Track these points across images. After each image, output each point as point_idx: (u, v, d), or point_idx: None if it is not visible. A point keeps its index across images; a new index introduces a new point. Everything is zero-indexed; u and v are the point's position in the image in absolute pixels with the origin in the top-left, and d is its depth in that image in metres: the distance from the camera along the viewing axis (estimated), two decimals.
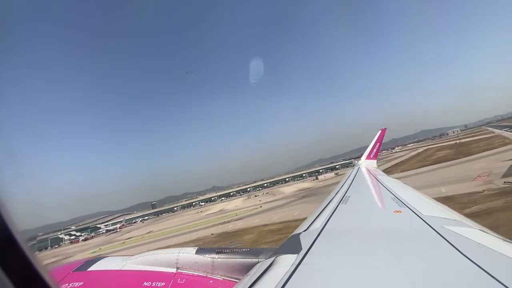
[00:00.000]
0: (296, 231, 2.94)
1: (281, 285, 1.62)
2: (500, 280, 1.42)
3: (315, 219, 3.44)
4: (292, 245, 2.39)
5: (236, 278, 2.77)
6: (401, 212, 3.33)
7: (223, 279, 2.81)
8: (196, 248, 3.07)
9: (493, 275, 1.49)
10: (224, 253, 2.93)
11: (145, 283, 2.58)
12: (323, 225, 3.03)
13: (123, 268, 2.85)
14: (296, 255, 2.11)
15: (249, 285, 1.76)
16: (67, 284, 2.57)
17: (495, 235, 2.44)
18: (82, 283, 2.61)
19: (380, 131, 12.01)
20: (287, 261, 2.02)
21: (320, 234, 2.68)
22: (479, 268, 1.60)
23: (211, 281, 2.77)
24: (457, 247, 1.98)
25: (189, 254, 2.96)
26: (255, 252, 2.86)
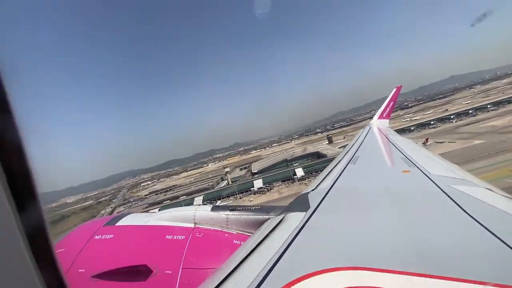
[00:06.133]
0: (305, 190, 3.16)
1: (290, 240, 1.79)
2: (500, 237, 1.51)
3: (323, 178, 3.58)
4: (301, 204, 2.57)
5: (249, 232, 3.00)
6: (409, 172, 3.41)
7: (237, 233, 3.04)
8: (211, 206, 3.31)
9: (494, 232, 1.59)
10: (237, 210, 3.14)
11: (167, 236, 2.83)
12: (331, 185, 3.17)
13: (147, 224, 3.11)
14: (304, 213, 2.28)
15: (261, 239, 1.95)
16: (100, 236, 2.87)
17: (502, 193, 2.46)
18: (112, 235, 2.89)
19: (395, 89, 11.39)
20: (295, 218, 2.19)
21: (328, 194, 2.83)
22: (480, 225, 1.70)
23: (226, 235, 3.01)
24: (461, 205, 2.09)
25: (205, 211, 3.18)
26: (266, 209, 3.05)
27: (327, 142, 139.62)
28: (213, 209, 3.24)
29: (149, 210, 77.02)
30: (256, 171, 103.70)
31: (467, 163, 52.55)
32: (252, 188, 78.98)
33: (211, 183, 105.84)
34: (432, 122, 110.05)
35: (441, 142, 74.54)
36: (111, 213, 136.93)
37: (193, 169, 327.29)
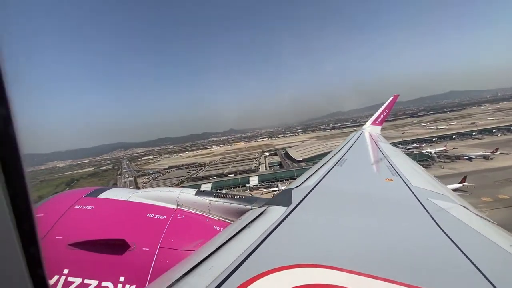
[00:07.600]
0: (289, 186, 3.25)
1: (268, 232, 1.84)
2: (467, 254, 1.58)
3: (309, 176, 3.65)
4: (284, 198, 2.64)
5: (230, 220, 3.03)
6: (392, 180, 3.49)
7: (219, 219, 3.06)
8: (196, 190, 3.29)
9: (462, 249, 1.65)
10: (221, 197, 3.17)
11: (148, 214, 2.82)
12: (316, 183, 3.24)
13: (129, 199, 3.07)
14: (286, 207, 2.34)
15: (240, 228, 2.00)
16: (81, 206, 2.84)
17: (475, 211, 2.57)
18: (93, 207, 2.85)
19: (391, 97, 11.58)
20: (276, 212, 2.25)
21: (311, 192, 2.89)
22: (451, 241, 1.77)
23: (207, 220, 3.02)
24: (436, 219, 2.15)
25: (189, 194, 3.18)
26: (249, 199, 3.10)
27: None
28: (197, 193, 3.24)
29: (202, 185, 74.72)
30: (301, 159, 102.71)
31: None
32: None
33: (254, 165, 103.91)
34: (474, 133, 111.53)
35: (507, 154, 75.33)
36: (135, 182, 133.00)
37: (195, 150, 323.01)
